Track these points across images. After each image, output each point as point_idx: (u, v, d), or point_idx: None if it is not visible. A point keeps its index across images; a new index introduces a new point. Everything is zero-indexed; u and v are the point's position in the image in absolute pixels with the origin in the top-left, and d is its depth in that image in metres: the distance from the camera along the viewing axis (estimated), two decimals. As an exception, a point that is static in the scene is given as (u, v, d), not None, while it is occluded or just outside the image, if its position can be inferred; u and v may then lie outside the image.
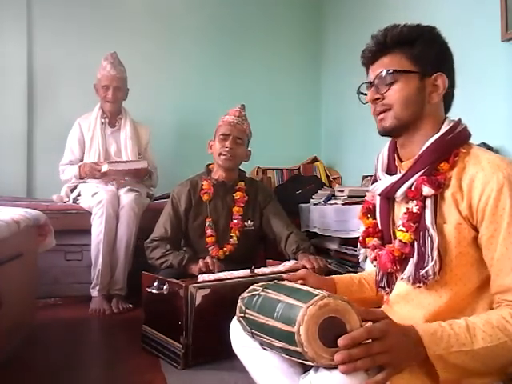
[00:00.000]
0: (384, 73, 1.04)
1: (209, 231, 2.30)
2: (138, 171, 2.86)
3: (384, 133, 1.08)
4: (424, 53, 1.03)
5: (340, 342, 0.79)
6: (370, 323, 0.86)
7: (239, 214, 2.34)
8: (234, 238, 2.32)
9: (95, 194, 2.69)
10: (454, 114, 1.10)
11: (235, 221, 2.33)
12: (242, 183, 2.40)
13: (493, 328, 0.87)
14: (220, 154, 2.30)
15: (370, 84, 1.08)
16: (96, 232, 2.61)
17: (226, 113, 2.39)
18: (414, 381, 0.89)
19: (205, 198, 2.33)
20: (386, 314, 0.88)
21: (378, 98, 1.06)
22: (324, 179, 3.55)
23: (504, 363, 0.90)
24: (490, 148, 2.07)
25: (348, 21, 3.52)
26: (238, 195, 2.36)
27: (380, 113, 1.06)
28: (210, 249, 2.28)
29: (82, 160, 2.95)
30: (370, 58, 1.09)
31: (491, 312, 0.92)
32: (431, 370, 0.86)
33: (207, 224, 2.31)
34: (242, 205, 2.36)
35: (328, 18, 3.88)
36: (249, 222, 2.37)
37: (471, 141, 1.06)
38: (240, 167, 2.46)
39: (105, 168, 2.76)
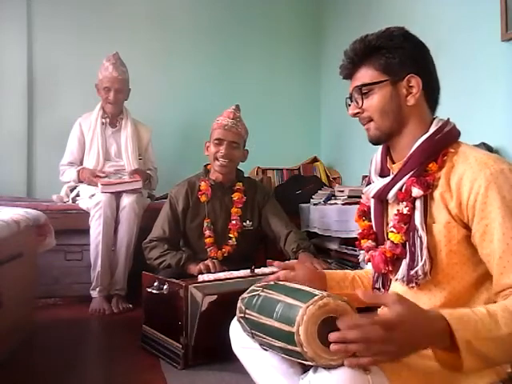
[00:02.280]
0: (357, 88, 1.08)
1: (207, 232, 2.30)
2: (133, 190, 2.80)
3: (372, 142, 1.12)
4: (389, 59, 1.05)
5: (340, 323, 0.78)
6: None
7: (237, 214, 2.34)
8: (233, 239, 2.31)
9: (93, 195, 2.69)
10: (453, 114, 1.09)
11: (234, 222, 2.33)
12: (240, 184, 2.40)
13: (511, 314, 0.84)
14: (215, 159, 2.29)
15: (350, 98, 1.12)
16: (94, 234, 2.61)
17: (221, 114, 2.36)
18: (411, 379, 0.89)
19: (202, 198, 2.33)
20: (400, 296, 0.82)
21: (358, 112, 1.09)
22: (324, 179, 3.55)
23: None
24: (489, 148, 2.07)
25: (348, 21, 3.51)
26: (236, 196, 2.35)
27: (364, 124, 1.10)
28: (208, 250, 2.28)
29: (81, 160, 2.95)
30: (346, 74, 1.12)
31: (506, 301, 0.89)
32: (448, 361, 0.84)
33: (205, 225, 2.30)
34: (240, 205, 2.35)
35: (328, 18, 3.88)
36: (247, 222, 2.37)
37: (470, 140, 1.06)
38: (238, 167, 2.45)
39: (99, 187, 2.71)
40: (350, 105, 1.13)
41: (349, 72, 1.11)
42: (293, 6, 3.94)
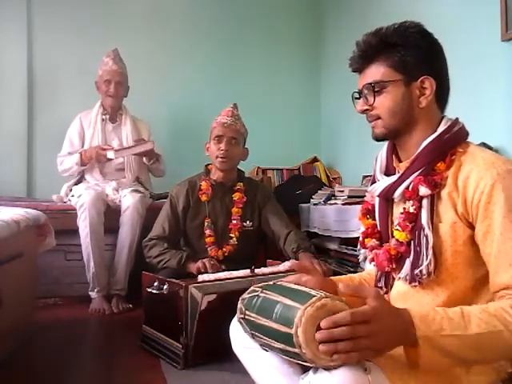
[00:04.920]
0: (368, 85, 1.05)
1: (208, 231, 2.30)
2: (146, 152, 2.85)
3: (376, 139, 1.10)
4: (405, 58, 1.02)
5: (322, 323, 0.80)
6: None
7: (238, 214, 2.34)
8: (234, 238, 2.32)
9: (80, 195, 2.67)
10: (453, 114, 1.09)
11: (234, 221, 2.33)
12: (241, 184, 2.40)
13: (490, 316, 0.86)
14: (217, 157, 2.30)
15: (359, 93, 1.09)
16: (83, 235, 2.60)
17: (219, 113, 2.39)
18: (412, 379, 0.88)
19: (203, 198, 2.33)
20: (379, 292, 0.87)
21: (367, 109, 1.07)
22: (324, 179, 3.55)
23: (498, 354, 0.89)
24: (489, 148, 2.07)
25: (348, 20, 3.52)
26: (236, 196, 2.36)
27: (371, 121, 1.08)
28: (209, 249, 2.28)
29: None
30: (356, 67, 1.09)
31: (491, 303, 0.91)
32: (412, 354, 0.85)
33: (206, 224, 2.31)
34: (241, 205, 2.35)
35: (328, 18, 3.88)
36: (247, 222, 2.37)
37: (470, 140, 1.06)
38: (238, 167, 2.45)
39: (110, 155, 2.77)
40: (357, 98, 1.11)
41: (360, 66, 1.08)
42: (293, 6, 3.94)
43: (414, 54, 1.02)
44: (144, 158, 2.93)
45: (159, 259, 2.22)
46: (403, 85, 1.03)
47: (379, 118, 1.06)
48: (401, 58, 1.02)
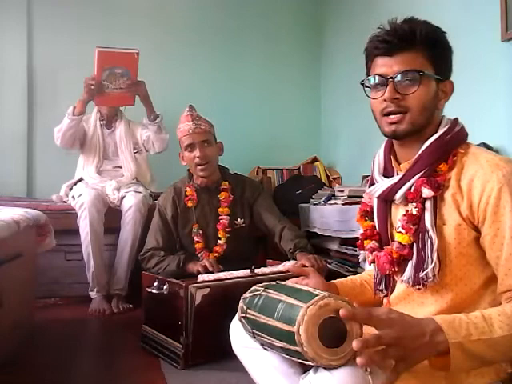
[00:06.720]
0: (412, 73, 0.98)
1: (195, 238, 2.29)
2: (137, 86, 2.81)
3: (394, 136, 1.04)
4: (444, 57, 1.02)
5: (354, 344, 0.77)
6: None
7: (225, 214, 2.32)
8: (222, 239, 2.30)
9: (80, 195, 2.68)
10: (454, 114, 1.09)
11: (221, 221, 2.31)
12: (226, 182, 2.37)
13: (509, 318, 0.86)
14: (196, 165, 2.27)
15: (386, 79, 0.99)
16: (83, 235, 2.61)
17: (179, 121, 2.35)
18: (412, 379, 0.89)
19: (189, 204, 2.32)
20: (391, 309, 0.86)
21: (397, 98, 0.99)
22: (324, 179, 3.55)
23: None
24: (489, 148, 2.07)
25: (349, 20, 3.51)
26: (222, 196, 2.33)
27: (392, 113, 1.00)
28: (199, 255, 2.27)
29: (80, 141, 2.93)
30: (385, 48, 1.00)
31: (504, 305, 0.91)
32: (439, 361, 0.85)
33: (194, 230, 2.30)
34: (227, 204, 2.33)
35: (328, 18, 3.88)
36: (239, 219, 2.35)
37: (470, 140, 1.06)
38: (224, 165, 2.44)
39: (95, 52, 2.74)
40: (376, 85, 1.02)
41: (392, 48, 0.99)
42: (293, 6, 3.94)
43: (447, 55, 1.03)
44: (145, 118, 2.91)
45: (158, 267, 2.21)
46: (436, 83, 1.01)
47: (406, 111, 0.99)
48: (441, 55, 1.01)
